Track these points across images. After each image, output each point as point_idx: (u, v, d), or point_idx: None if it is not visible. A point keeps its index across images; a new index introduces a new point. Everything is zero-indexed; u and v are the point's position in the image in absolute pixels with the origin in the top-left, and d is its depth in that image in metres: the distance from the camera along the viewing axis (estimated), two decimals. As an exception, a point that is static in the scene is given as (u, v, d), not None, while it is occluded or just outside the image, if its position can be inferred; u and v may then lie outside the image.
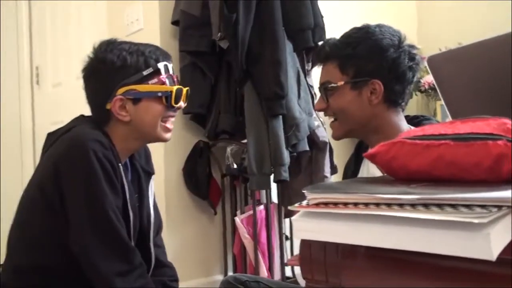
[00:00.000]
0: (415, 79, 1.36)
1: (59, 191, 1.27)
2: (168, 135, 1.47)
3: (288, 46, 2.33)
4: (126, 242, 1.32)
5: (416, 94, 3.41)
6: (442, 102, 0.83)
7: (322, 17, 2.48)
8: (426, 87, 3.28)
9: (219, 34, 2.31)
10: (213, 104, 2.50)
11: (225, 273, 2.71)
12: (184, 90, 1.45)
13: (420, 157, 0.63)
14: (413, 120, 1.41)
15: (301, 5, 2.34)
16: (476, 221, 0.48)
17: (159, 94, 1.40)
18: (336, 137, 1.41)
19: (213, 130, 2.51)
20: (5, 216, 3.35)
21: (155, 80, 1.40)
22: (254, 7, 2.27)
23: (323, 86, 1.36)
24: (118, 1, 2.88)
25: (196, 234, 2.69)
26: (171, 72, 1.44)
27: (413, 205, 0.55)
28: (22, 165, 3.55)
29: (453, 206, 0.52)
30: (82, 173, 1.26)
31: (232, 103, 2.46)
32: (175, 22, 2.54)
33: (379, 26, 1.35)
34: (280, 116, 2.30)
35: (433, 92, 3.32)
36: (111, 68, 1.38)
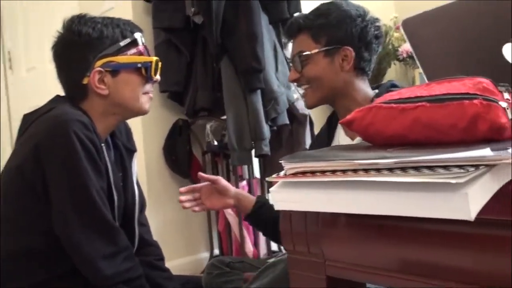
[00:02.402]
0: (379, 49, 1.45)
1: (41, 174, 1.23)
2: (148, 106, 1.43)
3: (264, 19, 2.30)
4: (111, 224, 1.29)
5: (394, 63, 3.41)
6: (420, 70, 0.82)
7: (296, -12, 2.45)
8: (404, 55, 3.28)
9: (193, 9, 2.28)
10: (190, 81, 2.47)
11: (211, 251, 2.71)
12: (159, 63, 1.42)
13: (397, 121, 0.62)
14: (379, 87, 1.46)
15: (275, -24, 2.31)
16: (453, 181, 0.48)
17: (139, 65, 1.36)
18: (310, 105, 1.47)
19: (192, 108, 2.48)
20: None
21: (134, 50, 1.37)
22: (228, -20, 2.23)
23: (297, 55, 1.42)
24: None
25: (180, 212, 2.67)
26: (145, 44, 1.41)
27: (391, 169, 0.54)
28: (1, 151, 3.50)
29: (430, 168, 0.51)
30: (64, 155, 1.22)
31: (210, 79, 2.43)
32: (147, -1, 2.50)
33: (344, 1, 1.46)
34: (259, 90, 2.28)
35: (411, 60, 3.31)
36: (87, 40, 1.32)
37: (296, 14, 1.54)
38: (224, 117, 2.36)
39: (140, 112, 1.43)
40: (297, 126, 2.48)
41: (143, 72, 1.37)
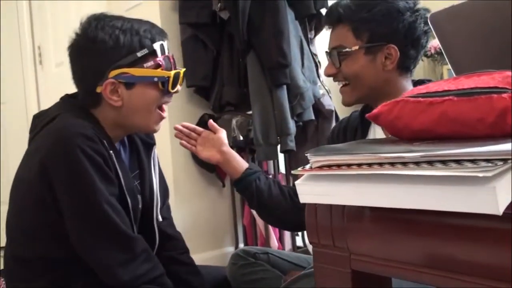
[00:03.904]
0: (428, 44, 1.32)
1: (49, 189, 1.21)
2: (158, 127, 1.36)
3: (290, 15, 2.30)
4: (125, 232, 1.27)
5: (422, 60, 3.36)
6: (449, 66, 0.81)
7: (323, -17, 2.43)
8: (433, 51, 3.24)
9: (219, 4, 2.29)
10: (216, 76, 2.48)
11: (236, 245, 2.72)
12: (181, 72, 1.34)
13: (424, 114, 0.62)
14: (419, 84, 1.38)
15: (302, -29, 2.30)
16: (481, 175, 0.47)
17: (155, 79, 1.28)
18: (348, 103, 1.36)
19: (218, 103, 2.49)
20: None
21: (151, 62, 1.28)
22: (254, -24, 2.23)
23: (336, 50, 1.31)
24: (117, -24, 2.85)
25: (206, 207, 2.70)
26: (167, 52, 1.32)
27: (417, 163, 0.54)
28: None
29: (457, 161, 0.51)
30: (71, 172, 1.20)
31: (236, 74, 2.44)
32: (174, -5, 2.52)
33: None
34: (284, 86, 2.28)
35: (440, 56, 3.27)
36: (102, 48, 1.25)
37: (340, 1, 1.36)
38: (250, 112, 2.37)
39: (147, 130, 1.38)
40: (323, 121, 2.47)
41: (160, 86, 1.29)
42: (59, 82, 3.49)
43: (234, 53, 2.42)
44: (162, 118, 1.35)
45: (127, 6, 2.70)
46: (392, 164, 0.56)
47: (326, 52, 1.37)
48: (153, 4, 2.55)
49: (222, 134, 1.49)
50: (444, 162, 0.52)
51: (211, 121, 1.52)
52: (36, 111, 3.62)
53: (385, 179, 0.57)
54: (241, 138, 2.56)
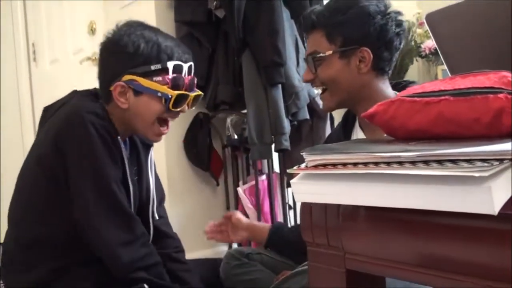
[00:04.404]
0: (401, 46, 1.34)
1: (62, 165, 1.27)
2: (157, 139, 1.43)
3: (285, 13, 2.30)
4: (129, 213, 1.33)
5: (416, 60, 3.37)
6: (444, 66, 0.81)
7: (319, -18, 2.43)
8: (427, 52, 3.24)
9: (215, 3, 2.28)
10: (211, 75, 2.48)
11: (230, 244, 2.72)
12: (192, 95, 1.39)
13: (420, 114, 0.62)
14: (397, 86, 1.39)
15: (297, -30, 2.30)
16: (477, 174, 0.47)
17: (159, 94, 1.34)
18: (327, 109, 1.40)
19: (213, 101, 2.49)
20: (5, 193, 3.37)
21: (160, 78, 1.34)
22: (250, -26, 2.23)
23: (311, 56, 1.33)
24: (112, -27, 2.84)
25: (199, 205, 2.69)
26: (184, 73, 1.37)
27: (413, 162, 0.54)
28: (22, 142, 3.55)
29: (453, 161, 0.51)
30: (83, 146, 1.26)
31: (231, 73, 2.44)
32: (170, -8, 2.51)
33: None
34: (279, 85, 2.27)
35: (434, 57, 3.28)
36: (122, 53, 1.33)
37: (312, 7, 1.42)
38: (245, 111, 2.36)
39: (147, 137, 1.44)
40: (318, 121, 2.47)
41: (163, 101, 1.35)
42: (53, 79, 3.49)
43: (229, 51, 2.42)
44: (161, 133, 1.41)
45: (122, 4, 2.69)
46: (388, 163, 0.56)
47: (304, 59, 1.40)
48: (148, 2, 2.54)
49: (238, 214, 1.64)
50: (440, 162, 0.52)
51: (228, 213, 1.67)
52: (29, 108, 3.63)
53: (380, 178, 0.57)
54: (236, 137, 2.55)
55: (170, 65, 1.34)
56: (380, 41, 1.29)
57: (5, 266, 1.37)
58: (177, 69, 1.36)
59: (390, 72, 1.35)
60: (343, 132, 1.44)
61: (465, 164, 0.50)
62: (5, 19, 3.53)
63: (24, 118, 3.58)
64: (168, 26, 2.45)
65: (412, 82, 1.39)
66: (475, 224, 0.54)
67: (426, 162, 0.53)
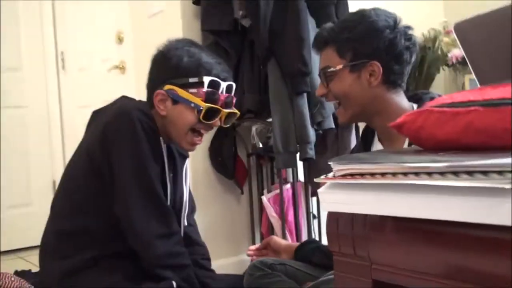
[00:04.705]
0: (413, 59, 1.37)
1: (107, 156, 1.35)
2: (190, 148, 1.51)
3: (311, 22, 2.30)
4: (167, 207, 1.40)
5: (443, 69, 3.34)
6: (472, 75, 0.80)
7: (345, -9, 2.44)
8: (454, 61, 3.21)
9: (241, 12, 2.29)
10: (237, 83, 2.48)
11: (253, 252, 2.72)
12: (225, 112, 1.47)
13: (449, 125, 0.61)
14: (414, 98, 1.41)
15: (323, -21, 2.31)
16: (507, 186, 0.47)
17: (192, 104, 1.43)
18: (343, 123, 1.43)
19: (238, 110, 2.50)
20: (36, 196, 3.42)
21: (195, 90, 1.43)
22: (276, -16, 2.24)
23: (323, 71, 1.37)
24: (140, -17, 2.88)
25: (224, 213, 2.70)
26: (221, 90, 1.46)
27: (442, 173, 0.54)
28: (50, 149, 3.61)
29: (483, 173, 0.51)
30: (128, 139, 1.34)
31: (256, 81, 2.45)
32: (196, 2, 2.53)
33: (374, 9, 1.38)
34: (305, 94, 2.28)
35: (461, 66, 3.25)
36: (166, 64, 1.45)
37: (325, 25, 1.46)
38: (270, 119, 2.37)
39: (181, 146, 1.52)
40: (343, 130, 2.46)
41: (196, 112, 1.44)
42: (81, 87, 3.55)
43: (255, 60, 2.43)
44: (194, 143, 1.49)
45: (150, 13, 2.73)
46: (417, 174, 0.56)
47: (318, 75, 1.44)
48: (175, 11, 2.57)
49: (275, 238, 1.71)
50: (470, 173, 0.52)
51: (266, 239, 1.72)
52: (57, 115, 3.70)
53: (408, 189, 0.57)
54: (261, 145, 2.56)
55: (207, 79, 1.43)
56: (390, 55, 1.33)
57: (42, 253, 1.45)
58: (213, 85, 1.44)
59: (403, 85, 1.38)
60: (363, 147, 1.47)
61: (495, 176, 0.49)
62: (35, 28, 3.60)
63: (52, 125, 3.64)
64: (194, 35, 2.48)
65: (427, 93, 1.41)
66: (504, 236, 0.54)
67: (456, 173, 0.53)
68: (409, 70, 1.39)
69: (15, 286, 1.79)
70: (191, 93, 1.43)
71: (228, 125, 1.56)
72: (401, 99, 1.37)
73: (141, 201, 1.34)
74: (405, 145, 1.31)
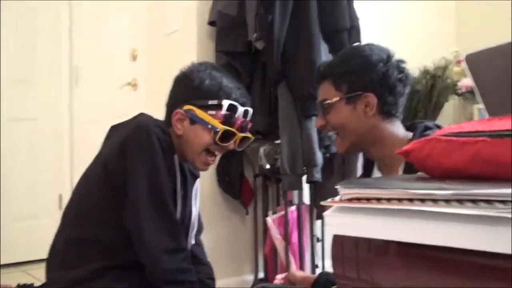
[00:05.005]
0: (406, 90, 1.44)
1: (123, 168, 1.37)
2: (203, 167, 1.53)
3: (324, 47, 2.33)
4: (177, 223, 1.42)
5: (452, 98, 3.36)
6: (479, 106, 0.82)
7: (358, 19, 2.47)
8: (463, 90, 3.23)
9: (255, 34, 2.33)
10: (247, 104, 2.51)
11: (256, 273, 2.72)
12: (239, 135, 1.50)
13: (456, 154, 0.62)
14: (411, 127, 1.46)
15: (337, 6, 2.34)
16: (508, 215, 0.48)
17: (209, 126, 1.46)
18: (341, 152, 1.50)
19: (247, 130, 2.52)
20: (41, 210, 3.43)
21: (214, 112, 1.46)
22: (290, 8, 2.27)
23: (321, 104, 1.45)
24: (157, 2, 2.93)
25: (228, 233, 2.70)
26: (238, 114, 1.49)
27: (447, 201, 0.55)
28: (59, 163, 3.62)
29: (488, 201, 0.52)
30: (146, 152, 1.37)
31: (266, 103, 2.47)
32: (212, 23, 2.57)
33: (368, 44, 1.47)
34: (314, 117, 2.29)
35: (470, 95, 3.26)
36: (188, 84, 1.49)
37: (322, 61, 1.61)
38: (278, 141, 2.39)
39: (194, 166, 1.55)
40: (350, 154, 2.47)
41: (212, 134, 1.47)
42: (93, 102, 3.58)
43: (266, 82, 2.45)
44: (208, 163, 1.52)
45: (165, 32, 2.77)
46: (422, 200, 0.57)
47: (316, 98, 1.54)
48: (191, 31, 2.61)
49: (292, 270, 1.74)
50: (474, 201, 0.53)
51: (285, 274, 1.73)
52: (67, 130, 3.72)
53: (413, 215, 0.58)
54: (268, 166, 2.57)
55: (226, 103, 1.46)
56: (383, 86, 1.39)
57: (49, 262, 1.46)
58: (231, 109, 1.47)
59: (398, 115, 1.44)
60: (364, 175, 1.54)
61: (499, 205, 0.50)
62: (51, 41, 3.64)
63: (62, 139, 3.66)
64: (208, 55, 2.51)
65: (422, 122, 1.45)
66: (508, 265, 0.54)
67: (461, 201, 0.54)
68: (404, 101, 1.45)
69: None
70: (209, 114, 1.46)
71: (241, 149, 1.59)
72: (396, 129, 1.43)
73: (153, 215, 1.36)
74: (399, 173, 1.35)
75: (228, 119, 1.46)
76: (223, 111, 1.46)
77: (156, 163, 1.37)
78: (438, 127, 1.41)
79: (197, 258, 1.60)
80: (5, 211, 3.29)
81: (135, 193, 1.36)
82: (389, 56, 1.42)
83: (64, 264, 1.40)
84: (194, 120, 1.47)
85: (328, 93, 1.44)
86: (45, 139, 3.58)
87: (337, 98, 1.41)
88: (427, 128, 1.40)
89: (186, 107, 1.47)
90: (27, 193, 3.43)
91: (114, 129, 1.54)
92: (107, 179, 1.39)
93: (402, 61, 1.44)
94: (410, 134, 1.41)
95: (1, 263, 3.16)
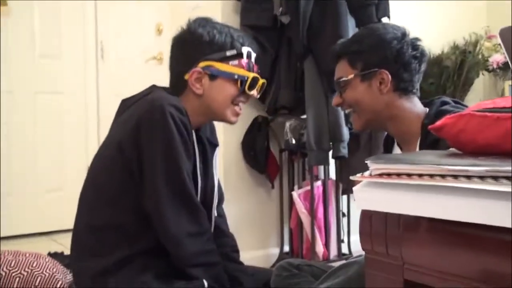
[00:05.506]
0: (422, 68, 1.46)
1: (138, 152, 1.33)
2: (235, 119, 1.50)
3: (351, 22, 2.30)
4: (198, 205, 1.38)
5: (483, 74, 3.29)
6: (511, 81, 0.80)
7: (386, -9, 2.42)
8: (494, 66, 3.16)
9: (281, 8, 2.30)
10: (273, 79, 2.50)
11: (281, 247, 2.74)
12: (261, 81, 1.49)
13: (490, 130, 0.61)
14: (429, 103, 1.46)
15: (364, -21, 2.30)
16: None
17: (236, 76, 1.43)
18: (357, 129, 1.52)
19: (273, 105, 2.52)
20: (69, 182, 3.50)
21: (236, 62, 1.43)
22: (317, -19, 2.24)
23: (337, 82, 1.47)
24: (181, -24, 2.91)
25: (254, 207, 2.72)
26: (253, 60, 1.47)
27: (481, 177, 0.54)
28: (86, 139, 3.67)
29: (524, 178, 0.51)
30: (162, 136, 1.32)
31: (292, 78, 2.46)
32: (237, -4, 2.55)
33: (382, 24, 1.55)
34: (341, 92, 2.28)
35: (501, 71, 3.19)
36: (198, 41, 1.43)
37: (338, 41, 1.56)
38: (304, 116, 2.38)
39: (225, 120, 1.51)
40: (377, 130, 2.45)
41: (238, 84, 1.44)
42: (119, 77, 3.60)
43: (292, 57, 2.44)
44: (238, 113, 1.50)
45: (189, 7, 2.76)
46: (455, 177, 0.56)
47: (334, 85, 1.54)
48: (215, 5, 2.60)
49: None
50: (509, 178, 0.52)
51: None
52: (94, 104, 3.75)
53: (445, 191, 0.58)
54: (294, 141, 2.57)
55: (245, 50, 1.44)
56: (398, 63, 1.41)
57: (74, 251, 1.43)
58: (249, 55, 1.46)
59: (415, 91, 1.45)
60: (385, 152, 1.59)
61: (535, 182, 0.49)
62: (77, 18, 3.66)
63: (89, 112, 3.70)
64: (233, 29, 2.49)
65: (439, 98, 1.45)
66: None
67: (495, 178, 0.53)
68: (420, 78, 1.47)
69: (49, 267, 1.84)
70: (232, 65, 1.43)
71: (259, 95, 1.56)
72: (413, 105, 1.44)
73: (171, 199, 1.32)
74: (417, 149, 1.36)
75: (250, 66, 1.45)
76: (245, 58, 1.44)
77: (173, 147, 1.32)
78: (456, 102, 1.41)
79: (220, 230, 1.58)
80: (34, 183, 3.37)
81: (153, 180, 1.32)
82: (404, 34, 1.44)
83: (90, 253, 1.38)
84: (214, 75, 1.43)
85: (344, 71, 1.46)
86: (73, 113, 3.62)
87: (352, 76, 1.44)
88: (444, 103, 1.40)
89: (202, 64, 1.42)
90: (55, 166, 3.49)
91: (125, 104, 1.49)
92: (123, 164, 1.35)
93: (417, 39, 1.46)
94: (427, 110, 1.42)
95: (33, 232, 3.25)
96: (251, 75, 1.44)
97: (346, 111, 1.53)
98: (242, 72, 1.43)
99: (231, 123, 1.52)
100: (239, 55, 1.44)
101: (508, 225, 0.52)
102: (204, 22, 1.47)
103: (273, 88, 2.50)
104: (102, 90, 3.72)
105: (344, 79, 1.45)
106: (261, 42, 2.45)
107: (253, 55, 1.48)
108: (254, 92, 1.48)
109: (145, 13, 3.37)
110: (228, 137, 2.61)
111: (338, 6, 2.25)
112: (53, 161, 3.49)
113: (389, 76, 1.40)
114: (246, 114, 2.63)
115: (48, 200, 3.44)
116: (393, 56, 1.41)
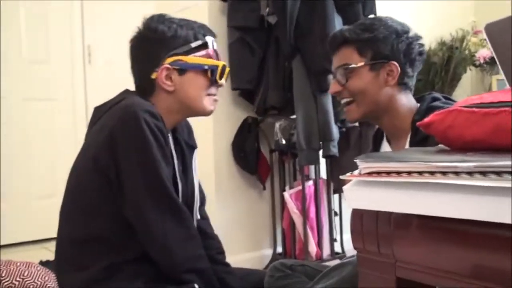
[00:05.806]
0: (421, 66, 1.46)
1: (114, 162, 1.28)
2: (213, 107, 1.47)
3: (338, 20, 2.30)
4: (183, 209, 1.34)
5: (470, 69, 3.31)
6: (499, 76, 0.80)
7: (372, -10, 2.43)
8: (481, 61, 3.18)
9: (268, 9, 2.30)
10: (261, 79, 2.50)
11: (274, 248, 2.73)
12: (227, 69, 1.47)
13: (478, 125, 0.61)
14: (419, 99, 1.46)
15: (350, -24, 2.30)
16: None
17: (206, 67, 1.41)
18: (354, 119, 1.49)
19: (262, 106, 2.51)
20: (60, 188, 3.48)
21: (203, 53, 1.41)
22: (303, -19, 2.24)
23: (342, 68, 1.43)
24: (167, -23, 2.90)
25: (246, 208, 2.72)
26: (216, 48, 1.45)
27: (470, 173, 0.54)
28: (76, 142, 3.65)
29: (511, 173, 0.51)
30: (137, 144, 1.28)
31: (281, 78, 2.45)
32: (223, -2, 2.55)
33: (389, 17, 1.47)
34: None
35: (488, 66, 3.21)
36: (161, 38, 1.40)
37: (343, 26, 1.54)
38: (294, 116, 2.38)
39: (203, 112, 1.47)
40: (366, 128, 2.45)
41: (209, 74, 1.42)
42: (107, 80, 3.59)
43: (280, 57, 2.43)
44: (215, 100, 1.47)
45: (177, 8, 2.75)
46: (444, 173, 0.56)
47: (332, 72, 1.50)
48: (202, 7, 2.59)
49: None
50: (498, 173, 0.52)
51: None
52: (83, 109, 3.73)
53: (435, 188, 0.57)
54: (284, 142, 2.57)
55: (209, 40, 1.43)
56: (406, 57, 1.41)
57: (59, 265, 1.40)
58: (213, 44, 1.45)
59: (412, 88, 1.45)
60: (373, 147, 1.56)
61: (524, 177, 0.49)
62: (63, 21, 3.65)
63: (78, 117, 3.69)
64: (220, 30, 2.49)
65: (430, 94, 1.45)
66: (532, 237, 0.54)
67: (484, 173, 0.53)
68: (417, 76, 1.47)
69: (41, 275, 1.83)
70: (201, 56, 1.41)
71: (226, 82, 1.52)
72: (408, 100, 1.43)
73: (155, 205, 1.29)
74: (407, 145, 1.36)
75: (216, 55, 1.44)
76: (210, 48, 1.43)
77: (149, 152, 1.28)
78: (446, 98, 1.41)
79: (205, 232, 1.54)
80: (25, 191, 3.35)
81: (133, 187, 1.28)
82: (409, 29, 1.44)
83: (75, 265, 1.34)
84: (183, 69, 1.40)
85: (350, 58, 1.42)
86: (62, 118, 3.61)
87: (361, 64, 1.40)
88: (434, 100, 1.40)
89: (170, 59, 1.39)
90: (46, 172, 3.48)
91: (98, 112, 1.44)
92: (100, 175, 1.30)
93: (420, 37, 1.46)
94: (418, 105, 1.42)
95: (23, 241, 3.23)
96: (220, 63, 1.43)
97: (342, 101, 1.48)
98: (211, 62, 1.42)
99: (209, 113, 1.49)
100: (204, 45, 1.42)
101: (499, 220, 0.52)
102: (162, 18, 1.44)
103: (262, 89, 2.49)
104: (90, 95, 3.72)
105: (352, 66, 1.41)
106: (249, 43, 2.46)
107: (215, 43, 1.46)
108: (223, 81, 1.46)
109: (131, 16, 3.35)
110: (218, 139, 2.61)
111: (326, 5, 2.25)
112: (44, 169, 3.47)
113: (399, 69, 1.39)
114: (236, 116, 2.63)
115: (39, 207, 3.42)
116: (403, 50, 1.40)
